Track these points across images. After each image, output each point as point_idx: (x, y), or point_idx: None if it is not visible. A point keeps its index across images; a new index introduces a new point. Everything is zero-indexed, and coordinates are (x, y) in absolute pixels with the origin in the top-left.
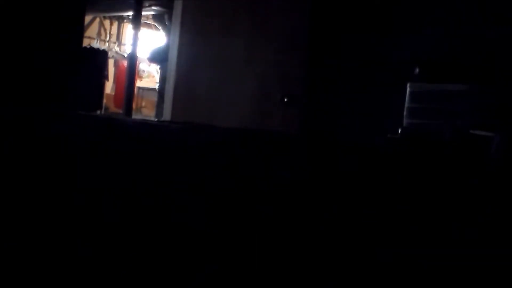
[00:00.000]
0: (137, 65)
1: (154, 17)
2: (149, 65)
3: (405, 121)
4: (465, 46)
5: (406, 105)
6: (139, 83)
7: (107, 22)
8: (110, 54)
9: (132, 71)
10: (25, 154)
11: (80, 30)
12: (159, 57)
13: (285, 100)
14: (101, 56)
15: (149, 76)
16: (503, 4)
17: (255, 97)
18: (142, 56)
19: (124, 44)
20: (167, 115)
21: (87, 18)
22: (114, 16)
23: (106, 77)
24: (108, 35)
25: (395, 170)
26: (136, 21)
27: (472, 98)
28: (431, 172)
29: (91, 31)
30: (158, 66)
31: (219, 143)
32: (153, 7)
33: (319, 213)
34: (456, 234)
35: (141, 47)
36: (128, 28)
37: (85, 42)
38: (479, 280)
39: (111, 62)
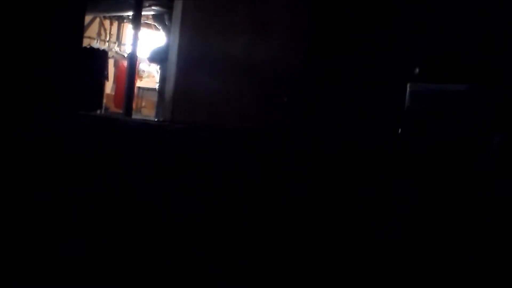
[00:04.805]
0: (137, 65)
1: (154, 17)
2: (149, 65)
3: (405, 121)
4: (466, 46)
5: (406, 105)
6: (139, 83)
7: (107, 22)
8: (110, 54)
9: (132, 71)
10: (25, 154)
11: (80, 30)
12: (159, 57)
13: (285, 100)
14: (101, 56)
15: (149, 76)
16: (504, 5)
17: (255, 97)
18: (142, 56)
19: (124, 44)
20: (167, 115)
21: (87, 18)
22: (114, 16)
23: (106, 77)
24: (108, 35)
25: (394, 170)
26: (136, 21)
27: (472, 98)
28: (430, 171)
29: (91, 31)
30: (158, 66)
31: (219, 142)
32: (153, 7)
33: (319, 213)
34: (455, 234)
35: (141, 47)
36: (128, 28)
37: (85, 42)
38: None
39: (111, 62)
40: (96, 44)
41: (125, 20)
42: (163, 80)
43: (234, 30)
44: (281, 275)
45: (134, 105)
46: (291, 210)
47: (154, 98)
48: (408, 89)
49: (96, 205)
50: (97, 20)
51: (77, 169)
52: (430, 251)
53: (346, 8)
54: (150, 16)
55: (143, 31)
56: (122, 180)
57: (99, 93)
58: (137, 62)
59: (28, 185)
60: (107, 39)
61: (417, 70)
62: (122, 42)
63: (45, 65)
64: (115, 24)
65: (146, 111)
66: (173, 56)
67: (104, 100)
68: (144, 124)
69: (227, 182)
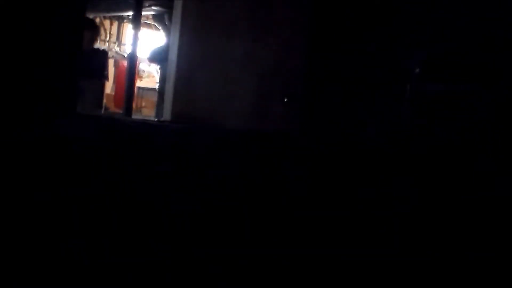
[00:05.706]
0: (137, 65)
1: (154, 17)
2: (149, 65)
3: (405, 121)
4: (466, 46)
5: (406, 105)
6: (139, 83)
7: (107, 22)
8: (110, 54)
9: (132, 71)
10: (25, 154)
11: (80, 30)
12: (159, 57)
13: (285, 100)
14: (101, 56)
15: (149, 76)
16: (504, 4)
17: (255, 97)
18: (142, 56)
19: (124, 44)
20: (167, 115)
21: None
22: (114, 16)
23: (106, 77)
24: (108, 35)
25: (395, 170)
26: (136, 21)
27: (472, 98)
28: (430, 171)
29: None
30: (158, 66)
31: (219, 143)
32: (153, 7)
33: (319, 213)
34: (455, 235)
35: (141, 47)
36: (128, 28)
37: None
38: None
39: (111, 62)
40: (96, 44)
41: (125, 20)
42: (163, 80)
43: (234, 30)
44: (281, 275)
45: (134, 105)
46: (291, 210)
47: (154, 98)
48: (408, 89)
49: (96, 205)
50: (97, 20)
51: (77, 169)
52: (430, 251)
53: (346, 8)
54: (150, 16)
55: (143, 31)
56: (122, 180)
57: (99, 93)
58: (137, 62)
59: (28, 185)
60: (107, 39)
61: (417, 70)
62: (122, 42)
63: (45, 65)
64: (115, 24)
65: (146, 111)
66: (173, 56)
67: (104, 100)
68: (144, 124)
69: (227, 183)
